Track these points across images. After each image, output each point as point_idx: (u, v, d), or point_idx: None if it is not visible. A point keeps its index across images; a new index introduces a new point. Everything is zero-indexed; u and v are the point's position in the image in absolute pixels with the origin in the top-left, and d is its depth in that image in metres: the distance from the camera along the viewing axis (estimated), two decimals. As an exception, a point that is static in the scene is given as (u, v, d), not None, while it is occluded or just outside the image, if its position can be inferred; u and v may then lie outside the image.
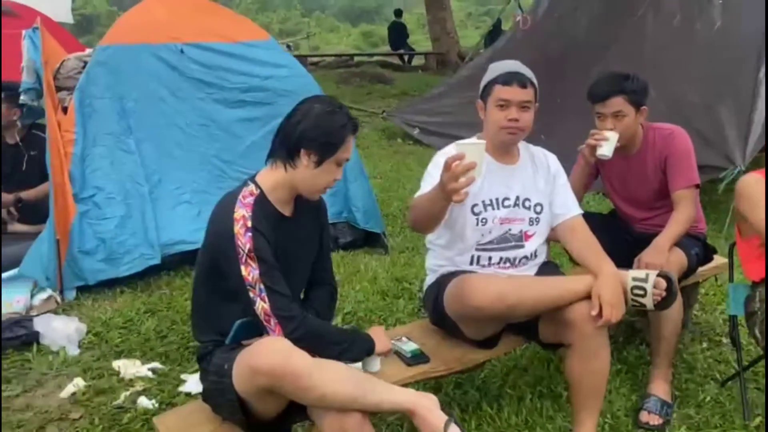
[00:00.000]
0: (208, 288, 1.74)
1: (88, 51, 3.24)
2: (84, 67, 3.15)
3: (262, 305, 1.57)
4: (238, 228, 1.59)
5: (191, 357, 2.55)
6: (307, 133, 1.63)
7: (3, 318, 2.75)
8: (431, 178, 1.95)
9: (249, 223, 1.59)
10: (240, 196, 1.66)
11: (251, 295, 1.58)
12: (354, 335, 1.79)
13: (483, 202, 1.99)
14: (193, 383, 2.32)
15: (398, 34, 14.23)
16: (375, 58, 14.51)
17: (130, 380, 2.38)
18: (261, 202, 1.66)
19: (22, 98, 3.29)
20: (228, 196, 1.70)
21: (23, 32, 3.33)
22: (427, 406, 1.50)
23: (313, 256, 1.85)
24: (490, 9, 40.82)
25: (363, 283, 3.17)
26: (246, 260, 1.57)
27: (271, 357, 1.44)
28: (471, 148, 1.64)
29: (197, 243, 3.30)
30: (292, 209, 1.75)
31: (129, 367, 2.44)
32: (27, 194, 3.57)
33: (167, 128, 3.31)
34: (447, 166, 1.61)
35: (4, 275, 2.93)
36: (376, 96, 9.02)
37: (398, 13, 14.60)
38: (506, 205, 2.04)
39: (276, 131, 1.71)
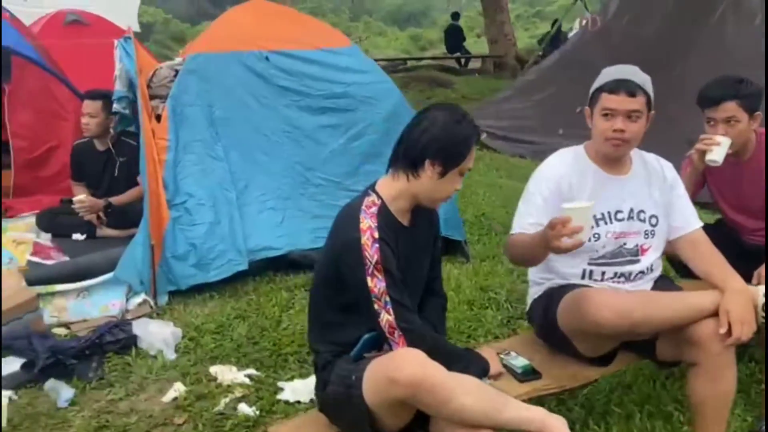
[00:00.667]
0: (328, 298, 1.72)
1: (178, 59, 3.31)
2: (176, 76, 3.22)
3: (387, 318, 1.55)
4: (365, 239, 1.57)
5: (284, 364, 2.56)
6: (433, 144, 1.59)
7: (100, 320, 2.84)
8: (533, 198, 1.91)
9: (376, 234, 1.57)
10: (363, 207, 1.64)
11: (376, 307, 1.56)
12: (469, 354, 1.75)
13: (594, 216, 1.90)
14: (290, 391, 2.33)
15: (455, 37, 14.15)
16: (428, 62, 14.45)
17: (228, 386, 2.40)
18: (383, 213, 1.64)
19: (115, 106, 3.40)
20: (350, 207, 1.68)
21: (115, 42, 3.45)
22: (557, 426, 1.45)
23: (427, 265, 1.82)
24: (539, 11, 40.15)
25: (448, 293, 3.11)
26: (373, 272, 1.55)
27: (410, 368, 1.42)
28: (577, 212, 1.60)
29: (281, 249, 3.37)
30: (410, 218, 1.72)
31: (225, 373, 2.47)
32: (116, 199, 3.69)
33: (253, 135, 3.35)
34: (552, 226, 1.57)
35: (101, 278, 3.02)
36: (437, 100, 8.95)
37: (455, 16, 14.52)
38: (619, 219, 1.95)
39: (398, 140, 1.69)
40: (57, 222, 3.73)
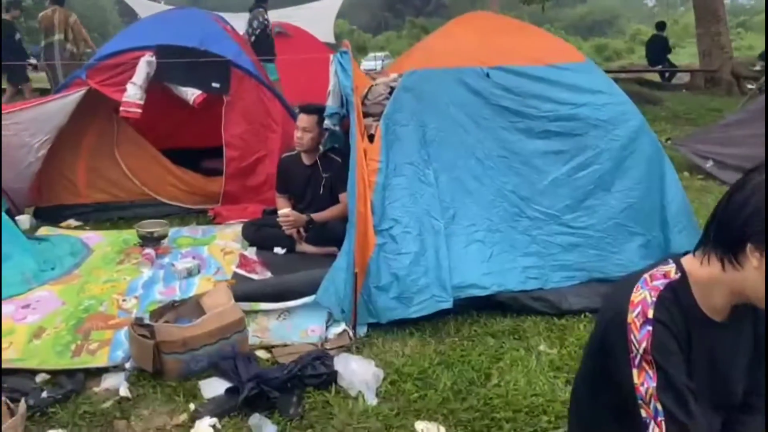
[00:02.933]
0: (593, 391, 1.32)
1: (393, 75, 3.12)
2: (391, 93, 3.03)
3: None
4: (633, 316, 1.15)
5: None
6: (756, 220, 1.10)
7: (301, 348, 2.71)
8: None
9: (650, 313, 1.14)
10: (647, 275, 1.21)
11: (643, 414, 1.14)
12: None
13: None
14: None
15: (660, 48, 12.79)
16: (626, 75, 13.25)
17: (435, 450, 2.10)
18: (679, 292, 1.19)
19: (326, 123, 3.31)
20: (633, 273, 1.26)
21: (331, 56, 3.36)
22: None
23: (744, 372, 1.32)
24: (744, 20, 35.57)
25: None
26: (640, 363, 1.13)
27: None
28: None
29: (489, 289, 3.00)
30: (727, 314, 1.24)
31: (432, 432, 2.17)
32: (318, 216, 3.62)
33: (465, 159, 3.04)
34: None
35: (301, 301, 2.92)
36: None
37: (661, 26, 13.13)
38: None
39: (713, 212, 1.21)
40: (261, 234, 3.77)
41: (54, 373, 2.50)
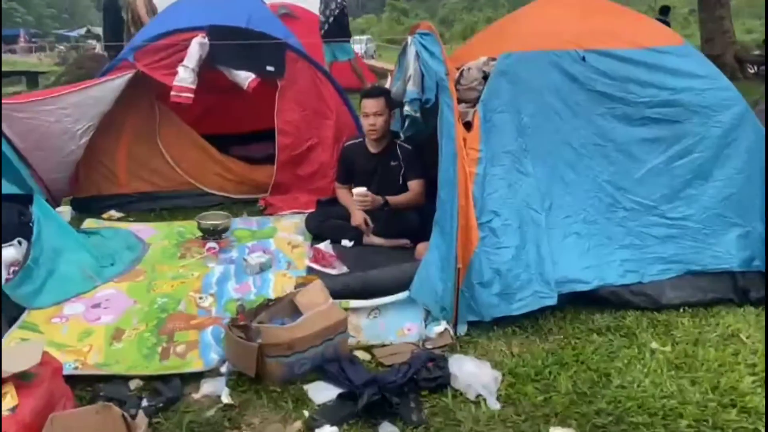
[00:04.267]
0: None
1: (483, 59, 2.94)
2: (484, 77, 2.86)
3: None
4: None
5: (637, 437, 2.09)
6: None
7: (402, 347, 2.56)
8: None
9: None
10: None
11: None
12: None
13: None
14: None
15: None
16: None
17: (581, 460, 1.97)
18: None
19: (407, 109, 3.13)
20: None
21: (408, 38, 3.18)
22: None
23: None
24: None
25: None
26: None
27: None
28: None
29: (590, 284, 2.85)
30: None
31: (572, 440, 2.04)
32: (393, 199, 3.43)
33: (559, 147, 2.90)
34: None
35: (393, 298, 2.77)
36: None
37: (665, 10, 13.03)
38: None
39: None
40: (326, 226, 3.59)
41: (147, 379, 2.33)
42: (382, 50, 18.00)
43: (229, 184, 4.36)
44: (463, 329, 2.67)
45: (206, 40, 3.74)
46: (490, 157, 2.76)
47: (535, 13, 3.17)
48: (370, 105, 3.48)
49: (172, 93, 3.76)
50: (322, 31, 7.84)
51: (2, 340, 2.38)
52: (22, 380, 1.87)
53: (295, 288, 2.93)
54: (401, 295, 2.77)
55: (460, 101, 2.84)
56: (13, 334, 2.44)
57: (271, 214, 4.11)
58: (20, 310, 2.64)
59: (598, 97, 2.91)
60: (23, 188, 3.57)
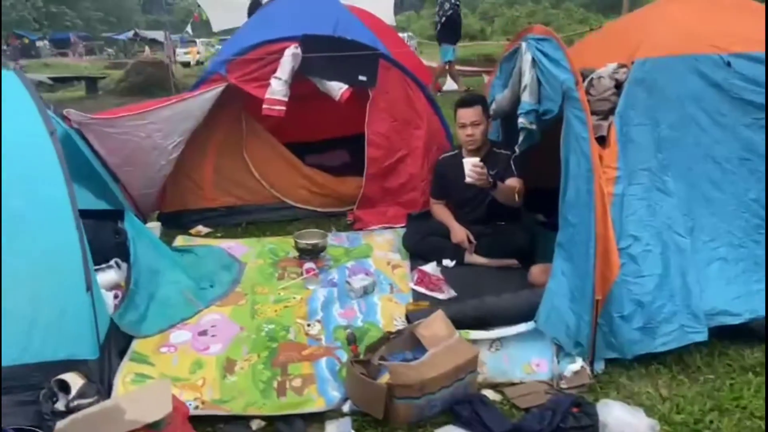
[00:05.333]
0: None
1: (611, 65, 2.68)
2: (617, 86, 2.60)
3: None
4: None
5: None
6: None
7: (535, 387, 2.33)
8: None
9: None
10: None
11: None
12: None
13: None
14: None
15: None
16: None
17: None
18: None
19: (521, 121, 2.90)
20: None
21: (522, 44, 2.95)
22: None
23: None
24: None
25: None
26: None
27: None
28: None
29: (741, 316, 2.55)
30: None
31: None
32: (502, 185, 3.13)
33: (701, 162, 2.60)
34: None
35: (516, 329, 2.55)
36: None
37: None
38: None
39: None
40: (426, 244, 3.40)
41: (269, 419, 2.17)
42: (423, 47, 17.76)
43: (314, 198, 4.21)
44: (600, 367, 2.42)
45: (299, 51, 3.59)
46: (627, 176, 2.50)
47: (661, 14, 2.88)
48: (467, 114, 3.27)
49: (264, 106, 3.63)
50: (435, 31, 8.00)
51: (117, 376, 2.26)
52: (153, 429, 1.74)
53: (406, 315, 2.76)
54: (526, 326, 2.55)
55: (591, 113, 2.58)
56: (127, 368, 2.33)
57: (359, 229, 3.94)
58: (128, 339, 2.53)
59: (744, 106, 2.61)
60: (114, 204, 3.51)
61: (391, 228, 3.91)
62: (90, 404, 2.00)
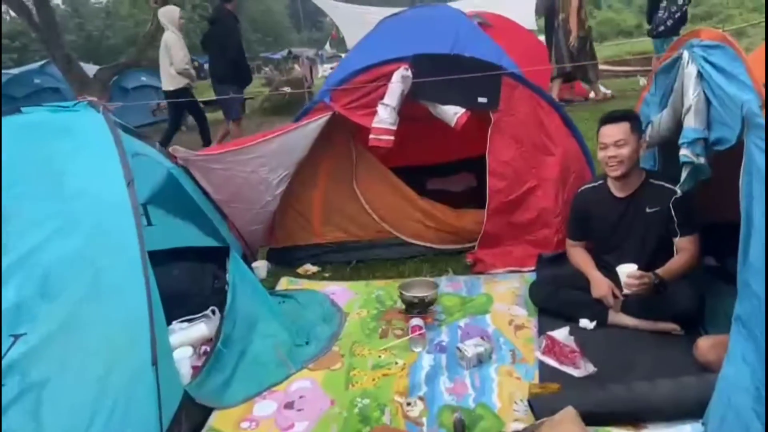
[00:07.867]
0: None
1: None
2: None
3: None
4: None
5: None
6: None
7: None
8: None
9: None
10: None
11: None
12: None
13: None
14: None
15: None
16: None
17: None
18: None
19: (685, 152, 2.24)
20: None
21: (684, 53, 2.28)
22: None
23: None
24: None
25: None
26: None
27: None
28: None
29: None
30: None
31: None
32: (667, 272, 2.52)
33: None
34: None
35: (675, 430, 1.90)
36: None
37: None
38: None
39: None
40: (557, 298, 2.81)
41: None
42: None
43: (430, 233, 3.76)
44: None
45: (409, 73, 3.18)
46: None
47: None
48: (611, 132, 2.64)
49: (371, 136, 3.27)
50: (661, 29, 7.38)
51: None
52: None
53: (529, 398, 2.22)
54: (691, 430, 1.90)
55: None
56: (199, 453, 2.05)
57: (480, 272, 3.42)
58: (206, 411, 2.26)
59: None
60: (221, 242, 3.36)
61: (518, 272, 3.35)
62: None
